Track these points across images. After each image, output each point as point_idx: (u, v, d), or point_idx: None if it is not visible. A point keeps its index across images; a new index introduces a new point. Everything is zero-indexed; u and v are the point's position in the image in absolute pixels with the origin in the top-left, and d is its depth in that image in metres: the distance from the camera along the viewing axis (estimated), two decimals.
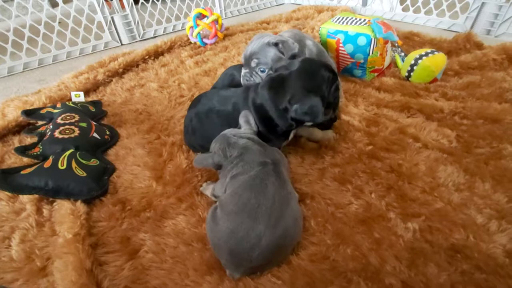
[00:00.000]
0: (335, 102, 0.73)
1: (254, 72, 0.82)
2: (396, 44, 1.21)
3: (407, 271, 0.51)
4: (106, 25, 1.61)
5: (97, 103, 1.07)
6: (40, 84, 1.28)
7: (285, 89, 0.66)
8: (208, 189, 0.69)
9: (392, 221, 0.60)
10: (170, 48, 1.53)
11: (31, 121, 0.94)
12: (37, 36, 1.41)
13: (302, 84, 0.66)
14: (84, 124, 0.87)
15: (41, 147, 0.79)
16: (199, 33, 1.53)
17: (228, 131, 0.66)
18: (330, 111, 0.72)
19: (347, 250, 0.56)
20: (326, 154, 0.79)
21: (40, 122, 0.93)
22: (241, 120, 0.69)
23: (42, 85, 1.26)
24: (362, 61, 1.08)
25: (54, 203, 0.68)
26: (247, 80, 0.83)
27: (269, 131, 0.71)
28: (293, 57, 0.81)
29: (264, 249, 0.49)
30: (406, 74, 1.09)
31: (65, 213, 0.63)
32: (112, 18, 1.62)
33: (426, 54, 1.04)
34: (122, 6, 1.63)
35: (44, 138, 0.82)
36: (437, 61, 1.04)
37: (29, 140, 0.90)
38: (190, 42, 1.62)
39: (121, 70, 1.30)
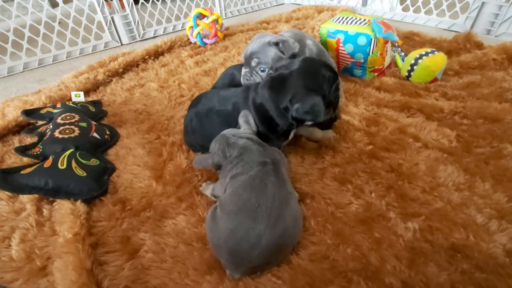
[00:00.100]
0: (336, 101, 0.73)
1: (254, 72, 0.82)
2: (396, 44, 1.21)
3: (407, 270, 0.51)
4: (106, 25, 1.61)
5: (97, 103, 1.07)
6: (40, 84, 1.28)
7: (286, 89, 0.66)
8: (208, 189, 0.69)
9: (392, 221, 0.60)
10: (170, 48, 1.53)
11: (31, 121, 0.94)
12: (37, 36, 1.41)
13: (303, 83, 0.65)
14: (84, 124, 0.87)
15: (41, 147, 0.79)
16: (199, 33, 1.53)
17: (228, 131, 0.66)
18: (330, 111, 0.72)
19: (347, 250, 0.56)
20: (326, 153, 0.79)
21: (40, 122, 0.93)
22: (241, 120, 0.69)
23: (42, 85, 1.26)
24: (362, 60, 1.08)
25: (54, 203, 0.68)
26: (247, 80, 0.83)
27: (270, 130, 0.71)
28: (294, 56, 0.80)
29: (264, 249, 0.49)
30: (406, 73, 1.09)
31: (65, 213, 0.63)
32: (112, 18, 1.62)
33: (426, 54, 1.04)
34: (122, 6, 1.63)
35: (44, 138, 0.82)
36: (437, 61, 1.04)
37: (29, 140, 0.90)
38: (190, 42, 1.62)
39: (121, 70, 1.30)
